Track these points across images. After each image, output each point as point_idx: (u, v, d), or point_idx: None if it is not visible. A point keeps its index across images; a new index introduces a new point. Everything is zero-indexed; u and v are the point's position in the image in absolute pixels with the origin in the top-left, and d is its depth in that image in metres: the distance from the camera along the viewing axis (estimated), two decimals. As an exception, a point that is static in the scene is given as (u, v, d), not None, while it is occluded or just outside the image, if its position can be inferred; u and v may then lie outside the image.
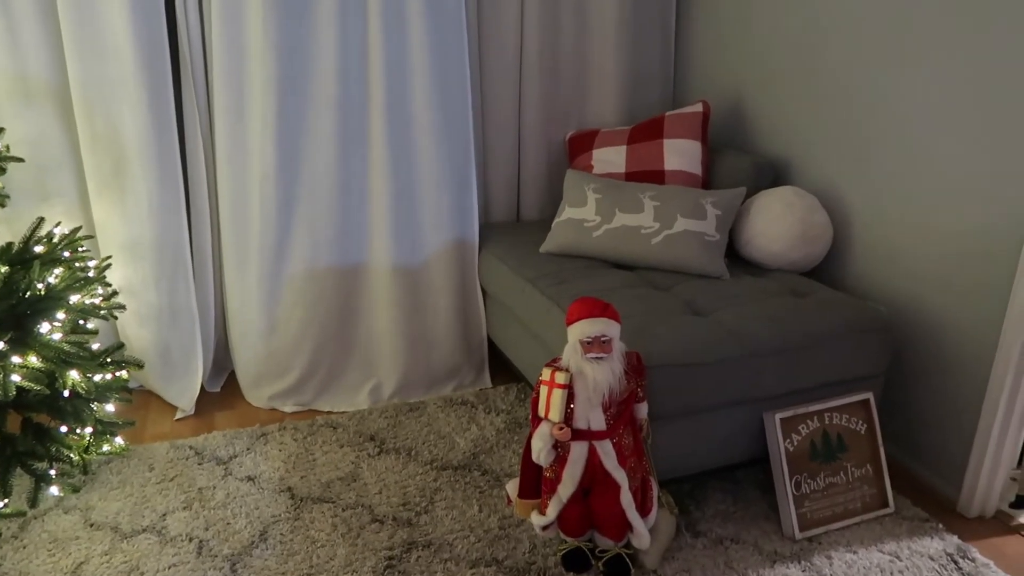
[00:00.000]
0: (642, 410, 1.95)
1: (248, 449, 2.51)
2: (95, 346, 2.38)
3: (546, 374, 1.84)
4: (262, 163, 2.63)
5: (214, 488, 2.31)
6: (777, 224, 2.53)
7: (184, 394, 2.76)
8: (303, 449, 2.52)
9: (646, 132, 2.93)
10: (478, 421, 2.70)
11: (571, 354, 1.82)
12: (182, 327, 2.73)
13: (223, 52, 2.55)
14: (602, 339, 1.80)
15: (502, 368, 3.09)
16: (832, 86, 2.61)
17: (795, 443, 2.16)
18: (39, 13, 2.45)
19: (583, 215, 2.67)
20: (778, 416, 2.14)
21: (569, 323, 1.85)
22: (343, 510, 2.21)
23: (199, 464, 2.44)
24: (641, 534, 1.92)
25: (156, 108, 2.53)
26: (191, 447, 2.52)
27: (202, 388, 2.84)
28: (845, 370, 2.23)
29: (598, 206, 2.65)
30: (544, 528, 1.96)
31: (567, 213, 2.71)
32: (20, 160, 2.26)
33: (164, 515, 2.19)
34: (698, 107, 2.91)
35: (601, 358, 1.79)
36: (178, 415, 2.73)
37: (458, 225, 2.87)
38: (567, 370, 1.82)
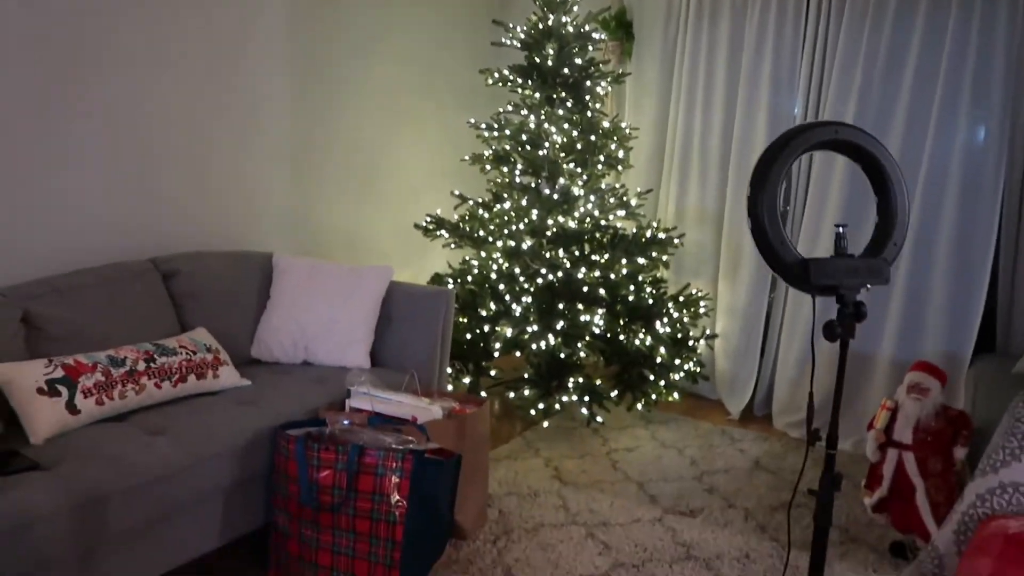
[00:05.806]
0: (959, 452, 2.74)
1: (753, 441, 3.98)
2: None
3: (885, 402, 2.87)
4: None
5: (716, 454, 3.86)
6: None
7: (735, 406, 4.36)
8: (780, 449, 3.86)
9: None
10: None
11: (900, 390, 2.82)
12: (747, 364, 4.35)
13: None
14: (921, 386, 2.75)
15: None
16: None
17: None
18: (722, 164, 4.44)
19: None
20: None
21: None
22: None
23: (717, 437, 4.02)
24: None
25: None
26: (722, 431, 4.12)
27: (752, 409, 4.38)
28: None
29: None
30: (874, 510, 2.90)
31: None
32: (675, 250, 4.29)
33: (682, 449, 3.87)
34: None
35: (918, 398, 2.75)
36: (728, 417, 4.35)
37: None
38: (895, 400, 2.82)
